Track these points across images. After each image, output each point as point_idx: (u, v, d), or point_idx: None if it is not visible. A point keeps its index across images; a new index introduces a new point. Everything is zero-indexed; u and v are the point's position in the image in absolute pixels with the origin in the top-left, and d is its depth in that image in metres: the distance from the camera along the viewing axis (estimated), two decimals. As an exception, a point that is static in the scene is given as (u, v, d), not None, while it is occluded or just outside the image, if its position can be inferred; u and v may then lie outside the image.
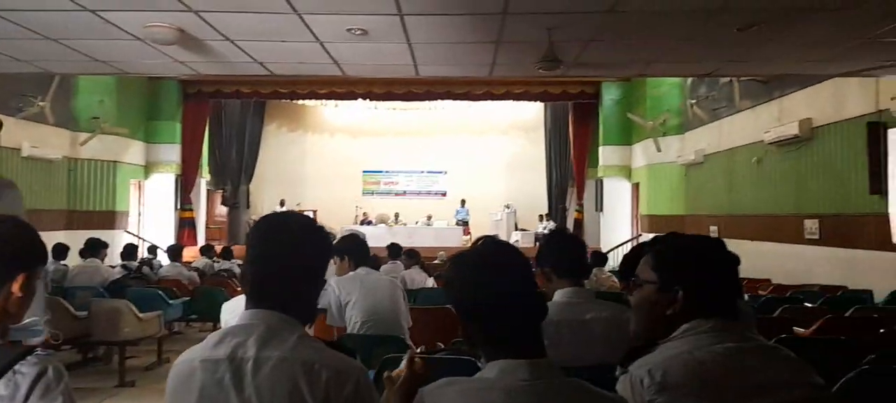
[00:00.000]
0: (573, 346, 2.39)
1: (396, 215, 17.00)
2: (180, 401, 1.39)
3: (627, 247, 11.85)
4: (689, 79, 11.80)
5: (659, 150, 12.46)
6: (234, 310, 2.85)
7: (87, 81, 11.66)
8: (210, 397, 1.35)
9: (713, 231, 10.79)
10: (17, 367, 1.36)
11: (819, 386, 1.43)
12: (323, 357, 1.37)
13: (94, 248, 7.26)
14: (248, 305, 1.46)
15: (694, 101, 11.51)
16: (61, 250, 7.67)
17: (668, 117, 12.36)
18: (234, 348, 1.37)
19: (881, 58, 5.42)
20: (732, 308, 1.51)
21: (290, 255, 1.46)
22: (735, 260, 1.57)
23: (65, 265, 7.53)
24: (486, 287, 1.35)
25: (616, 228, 14.03)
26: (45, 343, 2.54)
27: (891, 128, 6.88)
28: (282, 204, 16.08)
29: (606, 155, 14.45)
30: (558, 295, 2.51)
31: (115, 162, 12.37)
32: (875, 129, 7.01)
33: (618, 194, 14.41)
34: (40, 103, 10.11)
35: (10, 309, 1.50)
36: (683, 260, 1.55)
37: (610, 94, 14.30)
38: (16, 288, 1.49)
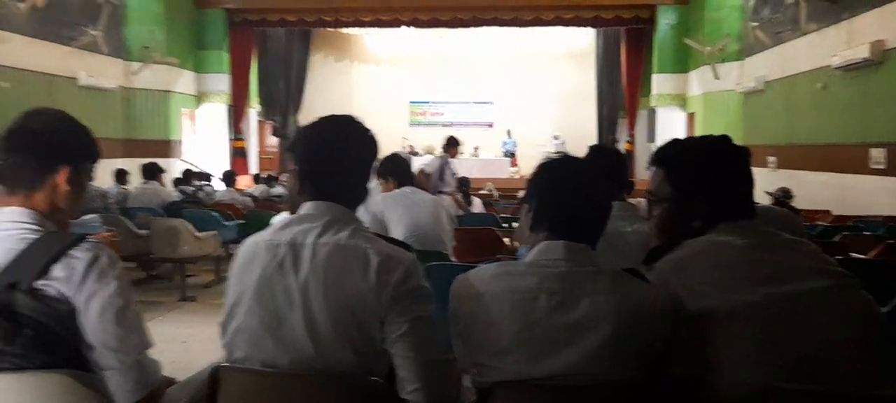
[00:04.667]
0: (609, 256, 2.38)
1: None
2: (243, 277, 1.49)
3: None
4: (751, 0, 11.14)
5: (717, 78, 11.93)
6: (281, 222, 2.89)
7: (136, 11, 11.80)
8: (270, 276, 1.45)
9: (771, 162, 10.39)
10: (71, 252, 1.40)
11: (843, 275, 1.41)
12: (375, 245, 1.47)
13: (153, 172, 7.61)
14: (306, 199, 1.55)
15: (756, 24, 10.89)
16: (122, 174, 8.10)
17: (728, 42, 11.76)
18: (296, 234, 1.48)
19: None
20: (751, 206, 1.51)
21: (340, 147, 1.58)
22: (746, 155, 1.55)
23: (126, 188, 7.90)
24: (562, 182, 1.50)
25: (668, 160, 13.62)
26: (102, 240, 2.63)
27: (974, 47, 6.38)
28: (330, 134, 16.18)
29: (660, 83, 13.90)
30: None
31: (167, 91, 12.61)
32: (956, 49, 6.51)
33: (671, 124, 13.91)
34: (93, 32, 10.29)
35: (59, 203, 1.49)
36: (699, 168, 1.52)
37: (665, 19, 13.63)
38: (61, 181, 1.47)
